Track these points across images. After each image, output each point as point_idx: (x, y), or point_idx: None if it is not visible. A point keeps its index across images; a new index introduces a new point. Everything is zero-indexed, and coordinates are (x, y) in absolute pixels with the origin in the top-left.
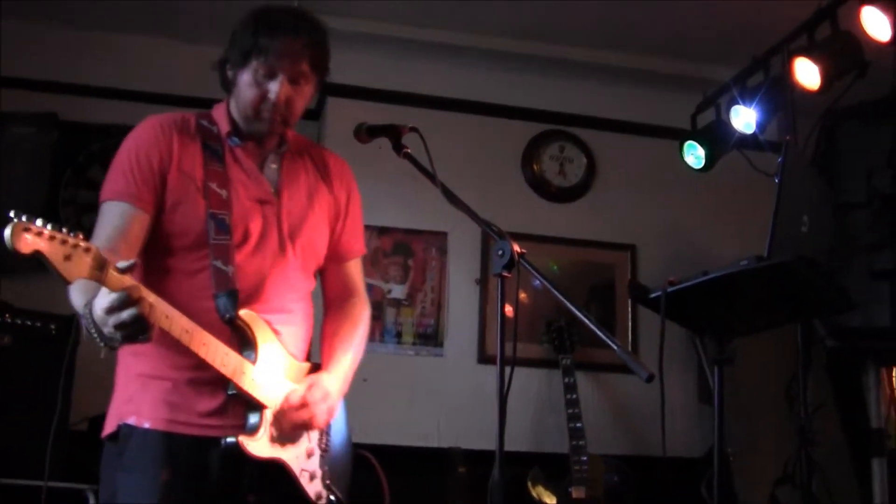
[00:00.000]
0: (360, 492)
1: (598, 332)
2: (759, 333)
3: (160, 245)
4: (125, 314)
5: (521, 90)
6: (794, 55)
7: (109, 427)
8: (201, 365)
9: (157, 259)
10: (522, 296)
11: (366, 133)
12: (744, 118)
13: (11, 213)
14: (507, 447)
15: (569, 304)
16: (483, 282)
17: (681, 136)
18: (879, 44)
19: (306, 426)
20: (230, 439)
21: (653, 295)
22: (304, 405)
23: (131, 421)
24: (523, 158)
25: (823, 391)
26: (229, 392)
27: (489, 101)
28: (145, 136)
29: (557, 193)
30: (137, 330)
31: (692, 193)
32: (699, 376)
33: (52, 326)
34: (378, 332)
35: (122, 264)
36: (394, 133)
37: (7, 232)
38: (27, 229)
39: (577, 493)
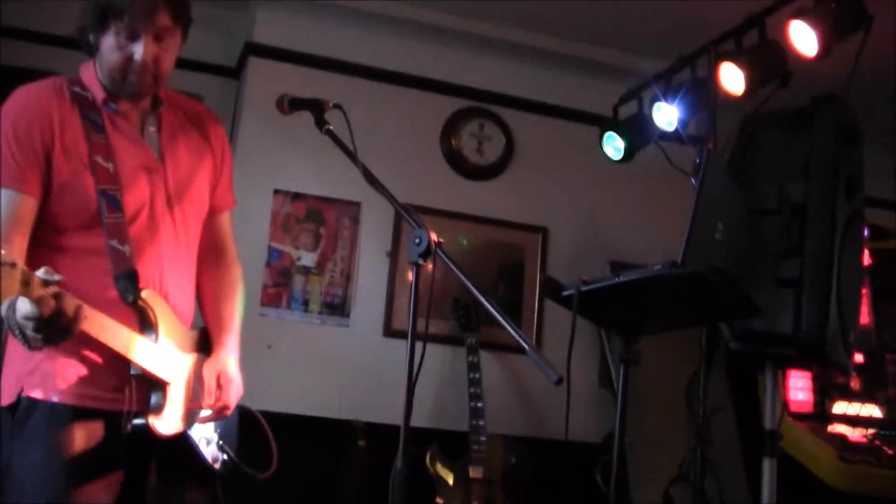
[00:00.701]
0: (249, 450)
1: (509, 329)
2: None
3: (50, 223)
4: (47, 324)
5: (445, 65)
6: (721, 59)
7: (7, 398)
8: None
9: (47, 237)
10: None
11: (288, 105)
12: (665, 115)
13: None
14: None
15: (480, 297)
16: (393, 255)
17: (601, 124)
18: (805, 58)
19: (221, 413)
20: (138, 420)
21: (565, 293)
22: (223, 405)
23: (36, 394)
24: (442, 134)
25: (721, 392)
26: (132, 373)
27: (412, 73)
28: (23, 113)
29: (474, 171)
30: (59, 336)
31: (607, 181)
32: (601, 361)
33: None
34: (285, 298)
35: (45, 276)
36: (317, 108)
37: None
38: None
39: (474, 472)
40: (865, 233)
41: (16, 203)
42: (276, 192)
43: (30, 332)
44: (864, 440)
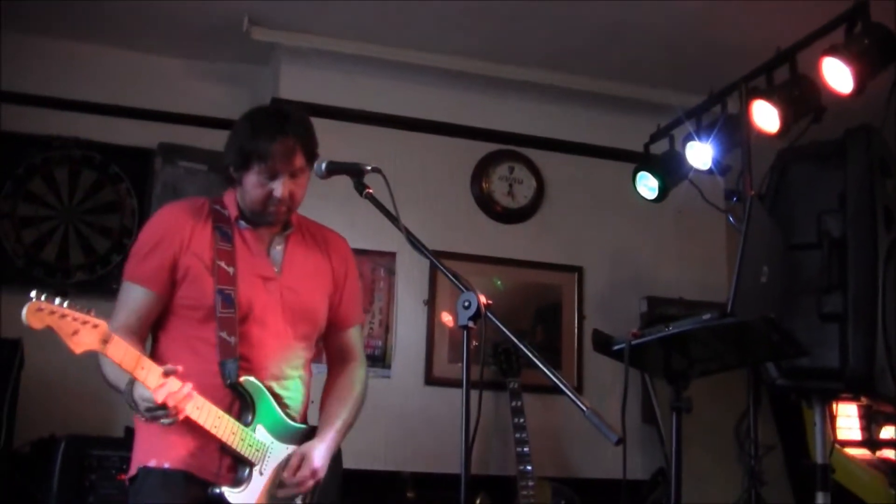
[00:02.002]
0: None
1: (565, 390)
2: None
3: (172, 313)
4: (160, 413)
5: (472, 109)
6: (752, 96)
7: (132, 472)
8: None
9: (168, 323)
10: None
11: (326, 170)
12: (699, 153)
13: (32, 294)
14: (452, 470)
15: (531, 355)
16: (431, 303)
17: (631, 160)
18: (840, 95)
19: (297, 492)
20: (216, 490)
21: (616, 347)
22: (295, 479)
23: (151, 464)
24: (472, 178)
25: (768, 429)
26: (220, 448)
27: (440, 119)
28: (164, 226)
29: (505, 214)
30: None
31: (639, 217)
32: (643, 397)
33: None
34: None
35: (168, 368)
36: (355, 172)
37: (24, 311)
38: (40, 309)
39: None
40: None
41: (143, 298)
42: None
43: (144, 413)
44: None
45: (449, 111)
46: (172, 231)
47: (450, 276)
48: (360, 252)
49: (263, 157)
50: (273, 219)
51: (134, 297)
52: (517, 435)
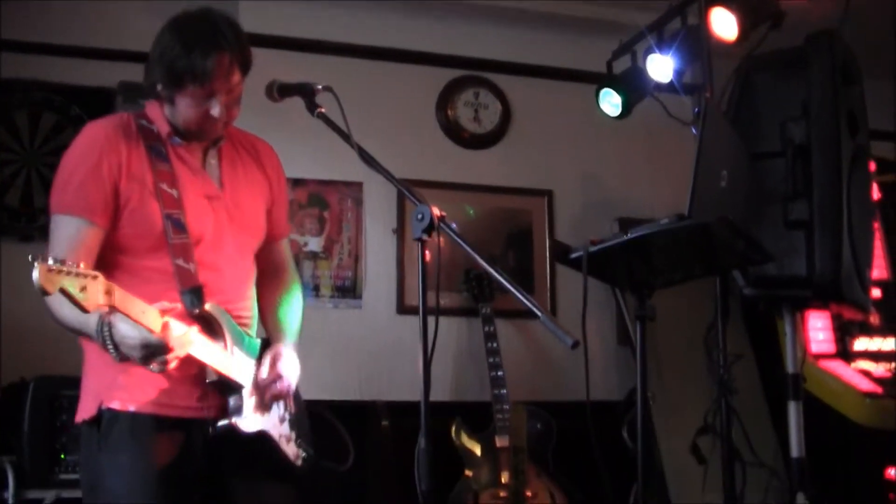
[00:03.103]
0: (321, 446)
1: (521, 297)
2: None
3: (116, 246)
4: (158, 353)
5: (434, 36)
6: (711, 4)
7: (88, 411)
8: None
9: (113, 258)
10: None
11: (277, 92)
12: (660, 66)
13: (30, 257)
14: (430, 398)
15: (488, 268)
16: (400, 231)
17: (596, 82)
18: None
19: (282, 395)
20: (223, 422)
21: (574, 255)
22: (276, 378)
23: (114, 405)
24: (437, 105)
25: (738, 339)
26: (207, 381)
27: (402, 47)
28: (93, 147)
29: (473, 140)
30: (160, 361)
31: (608, 138)
32: (618, 320)
33: None
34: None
35: (163, 305)
36: (307, 92)
37: (35, 275)
38: (50, 270)
39: (500, 441)
40: (872, 167)
41: (83, 231)
42: None
43: (132, 353)
44: (889, 374)
45: (411, 38)
46: (107, 152)
47: (404, 189)
48: (326, 183)
49: (198, 78)
50: (208, 136)
51: (73, 232)
52: (491, 359)
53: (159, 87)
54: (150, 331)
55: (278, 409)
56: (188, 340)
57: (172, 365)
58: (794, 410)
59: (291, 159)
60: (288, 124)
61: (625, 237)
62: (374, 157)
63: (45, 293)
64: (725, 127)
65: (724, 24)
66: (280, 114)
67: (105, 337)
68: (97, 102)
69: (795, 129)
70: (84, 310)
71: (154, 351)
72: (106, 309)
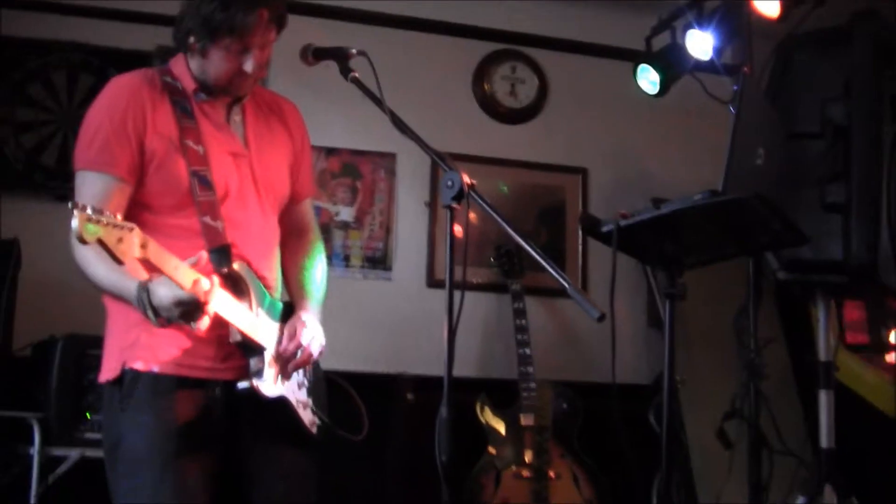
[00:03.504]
0: (337, 416)
1: (549, 268)
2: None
3: (145, 205)
4: (193, 310)
5: (473, 9)
6: None
7: (111, 371)
8: None
9: (139, 215)
10: (472, 217)
11: (312, 55)
12: (700, 43)
13: (70, 204)
14: (455, 373)
15: (519, 238)
16: (432, 204)
17: (635, 59)
18: None
19: (304, 363)
20: (244, 384)
21: (604, 229)
22: (298, 347)
23: (137, 366)
24: (474, 78)
25: (770, 324)
26: (231, 340)
27: (440, 19)
28: (118, 102)
29: (508, 114)
30: (196, 318)
31: (644, 116)
32: (649, 301)
33: None
34: (326, 255)
35: (191, 260)
36: (341, 56)
37: (74, 224)
38: (89, 219)
39: (525, 420)
40: None
41: (109, 187)
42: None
43: (169, 314)
44: None
45: (449, 10)
46: (134, 107)
47: (434, 155)
48: (359, 153)
49: (237, 30)
50: (235, 92)
51: (101, 188)
52: (519, 337)
53: (192, 39)
54: (181, 286)
55: (297, 376)
56: (216, 296)
57: (205, 323)
58: (824, 400)
59: (325, 128)
60: (324, 93)
61: (657, 212)
62: (413, 129)
63: (83, 242)
64: (763, 104)
65: (765, 1)
66: (316, 82)
67: (145, 304)
68: (134, 65)
69: (836, 109)
70: (119, 262)
71: (188, 308)
72: (138, 256)
